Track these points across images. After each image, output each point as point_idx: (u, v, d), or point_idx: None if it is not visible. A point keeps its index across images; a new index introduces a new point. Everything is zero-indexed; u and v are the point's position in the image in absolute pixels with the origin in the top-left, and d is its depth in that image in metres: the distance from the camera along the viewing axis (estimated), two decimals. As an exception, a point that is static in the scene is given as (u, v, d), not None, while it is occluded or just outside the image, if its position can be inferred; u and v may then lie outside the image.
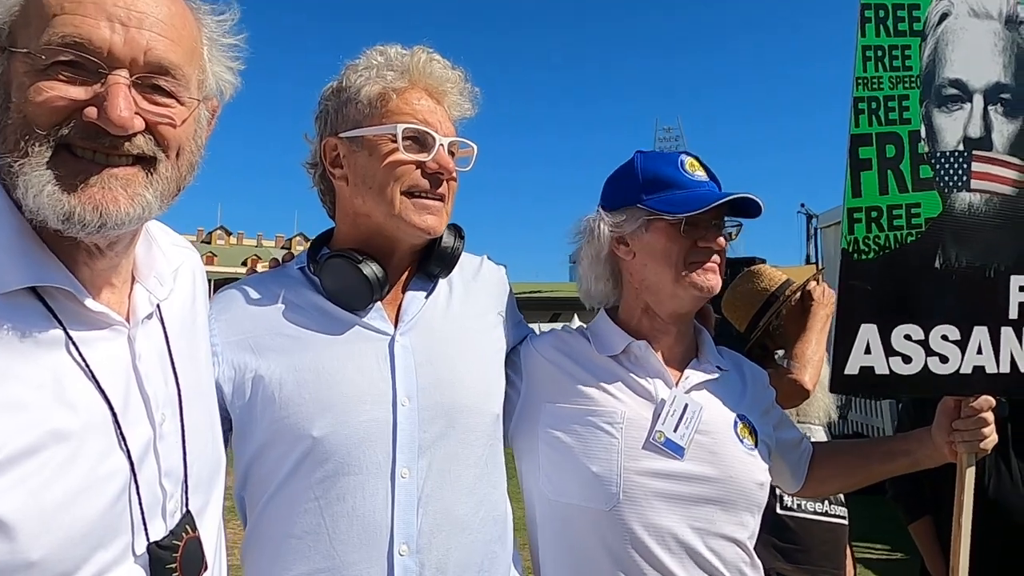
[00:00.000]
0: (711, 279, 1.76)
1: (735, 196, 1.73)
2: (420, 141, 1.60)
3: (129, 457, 1.09)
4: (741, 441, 1.76)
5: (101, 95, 1.02)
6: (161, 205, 1.13)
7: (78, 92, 1.02)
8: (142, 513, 1.10)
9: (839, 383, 1.85)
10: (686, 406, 1.74)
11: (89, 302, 1.09)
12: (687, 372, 1.82)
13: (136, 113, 1.05)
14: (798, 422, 2.80)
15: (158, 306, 1.25)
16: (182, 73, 1.12)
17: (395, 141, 1.57)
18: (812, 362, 2.65)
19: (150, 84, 1.08)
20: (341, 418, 1.50)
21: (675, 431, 1.71)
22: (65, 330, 1.06)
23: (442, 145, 1.60)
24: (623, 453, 1.68)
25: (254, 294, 1.65)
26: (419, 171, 1.59)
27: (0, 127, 1.03)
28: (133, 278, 1.22)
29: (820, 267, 12.39)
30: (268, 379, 1.53)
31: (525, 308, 1.97)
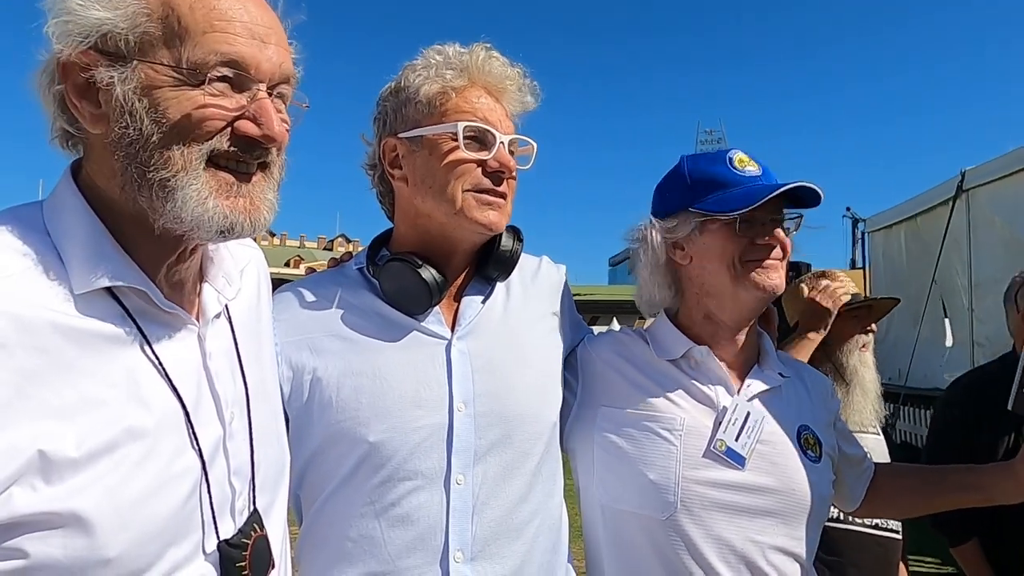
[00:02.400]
0: (773, 277, 1.69)
1: (789, 185, 1.64)
2: (480, 139, 1.58)
3: (200, 455, 1.10)
4: (804, 452, 1.71)
5: (248, 108, 1.07)
6: (277, 203, 1.18)
7: (229, 104, 1.06)
8: (212, 511, 1.11)
9: (1019, 402, 1.79)
10: (748, 414, 1.69)
11: (162, 301, 1.10)
12: (749, 379, 1.77)
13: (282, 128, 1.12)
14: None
15: (226, 305, 1.26)
16: (296, 81, 1.17)
17: (456, 140, 1.55)
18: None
19: (276, 93, 1.13)
20: (397, 423, 1.50)
21: (736, 440, 1.66)
22: (139, 329, 1.07)
23: (502, 143, 1.58)
24: (682, 461, 1.64)
25: (313, 295, 1.65)
26: (480, 170, 1.57)
27: (142, 140, 1.03)
28: (201, 278, 1.23)
29: (867, 275, 12.14)
30: (325, 381, 1.53)
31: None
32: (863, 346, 2.95)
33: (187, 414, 1.09)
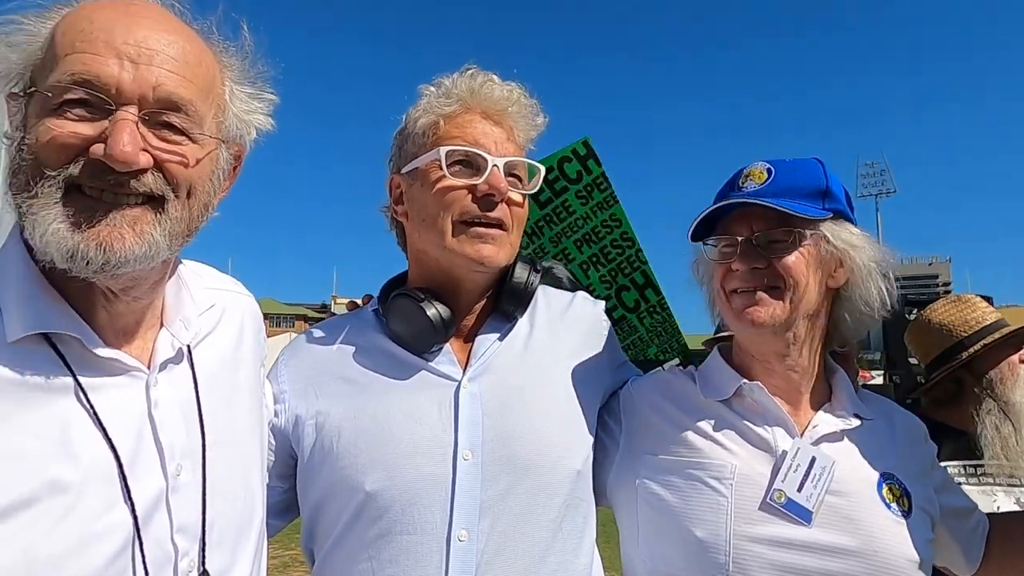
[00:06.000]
0: (751, 312, 1.45)
1: (724, 204, 1.47)
2: (471, 164, 1.48)
3: (133, 511, 1.03)
4: (888, 506, 1.42)
5: (108, 132, 1.00)
6: (171, 245, 1.09)
7: (86, 129, 1.01)
8: (145, 571, 1.03)
9: None
10: (813, 460, 1.43)
11: (99, 349, 1.06)
12: (816, 419, 1.51)
13: (144, 150, 1.03)
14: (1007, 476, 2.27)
15: (190, 351, 1.21)
16: (195, 109, 1.08)
17: (442, 168, 1.47)
18: None
19: (160, 121, 1.05)
20: (395, 472, 1.38)
21: (799, 490, 1.41)
22: (75, 377, 1.03)
23: (496, 166, 1.47)
24: (733, 515, 1.40)
25: (324, 338, 1.60)
26: (470, 196, 1.47)
27: (13, 169, 1.04)
28: (163, 324, 1.19)
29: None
30: (328, 427, 1.45)
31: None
32: None
33: (121, 466, 1.03)
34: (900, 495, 1.44)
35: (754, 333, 1.48)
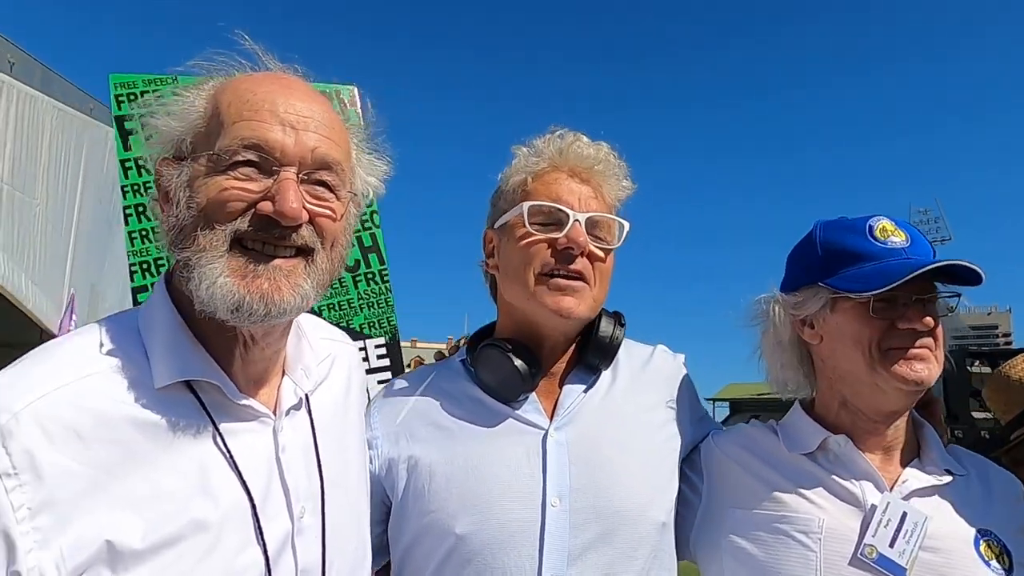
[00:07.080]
0: (918, 369, 1.44)
1: (935, 264, 1.41)
2: (554, 219, 1.54)
3: (265, 551, 1.09)
4: (987, 563, 1.40)
5: (272, 190, 1.10)
6: (316, 295, 1.18)
7: (253, 187, 1.10)
8: None
9: None
10: (905, 515, 1.42)
11: (234, 394, 1.14)
12: (905, 474, 1.50)
13: (302, 206, 1.12)
14: None
15: (307, 398, 1.28)
16: (342, 169, 1.20)
17: (525, 223, 1.53)
18: None
19: (315, 180, 1.15)
20: (484, 516, 1.42)
21: (891, 546, 1.40)
22: (213, 422, 1.11)
23: (577, 221, 1.52)
24: (823, 570, 1.40)
25: (414, 386, 1.66)
26: (551, 250, 1.53)
27: (179, 225, 1.12)
28: (284, 372, 1.26)
29: None
30: (420, 471, 1.50)
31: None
32: None
33: (254, 508, 1.09)
34: (1000, 552, 1.42)
35: (908, 392, 1.47)
